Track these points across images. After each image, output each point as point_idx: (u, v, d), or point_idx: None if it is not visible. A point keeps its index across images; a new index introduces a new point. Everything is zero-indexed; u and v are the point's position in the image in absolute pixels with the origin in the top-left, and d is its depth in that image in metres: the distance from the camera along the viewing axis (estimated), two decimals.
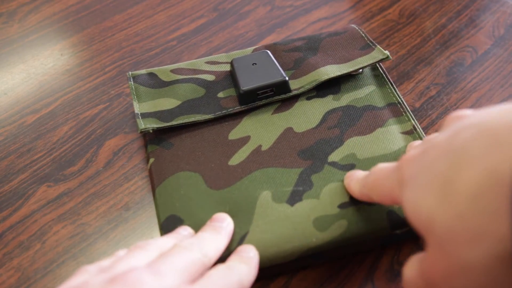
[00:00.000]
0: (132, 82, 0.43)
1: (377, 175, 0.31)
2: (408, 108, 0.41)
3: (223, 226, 0.33)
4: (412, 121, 0.40)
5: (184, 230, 0.33)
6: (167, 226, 0.35)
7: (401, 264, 0.35)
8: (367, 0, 0.57)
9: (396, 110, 0.41)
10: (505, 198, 0.20)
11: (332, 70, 0.43)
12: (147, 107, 0.41)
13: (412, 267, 0.27)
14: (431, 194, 0.23)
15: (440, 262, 0.23)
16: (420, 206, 0.24)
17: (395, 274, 0.34)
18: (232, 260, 0.31)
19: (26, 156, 0.43)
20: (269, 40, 0.52)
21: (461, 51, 0.50)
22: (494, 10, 0.55)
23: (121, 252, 0.30)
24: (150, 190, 0.40)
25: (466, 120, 0.25)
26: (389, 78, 0.44)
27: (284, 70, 0.43)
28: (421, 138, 0.39)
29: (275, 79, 0.41)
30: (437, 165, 0.24)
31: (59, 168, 0.42)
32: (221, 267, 0.29)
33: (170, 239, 0.31)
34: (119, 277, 0.26)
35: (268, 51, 0.44)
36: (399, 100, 0.42)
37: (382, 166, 0.31)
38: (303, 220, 0.34)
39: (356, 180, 0.34)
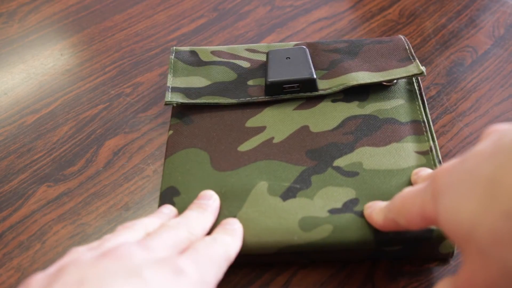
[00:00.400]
0: (173, 56, 0.45)
1: (404, 197, 0.30)
2: (432, 128, 0.39)
3: (209, 203, 0.34)
4: (431, 142, 0.38)
5: (166, 209, 0.34)
6: (165, 195, 0.36)
7: (401, 264, 0.35)
8: (367, 0, 0.57)
9: (418, 128, 0.39)
10: None
11: (362, 77, 0.42)
12: (179, 82, 0.43)
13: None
14: (473, 199, 0.23)
15: (481, 273, 0.23)
16: (461, 213, 0.23)
17: (395, 274, 0.34)
18: (217, 232, 0.32)
19: (26, 156, 0.43)
20: (269, 40, 0.53)
21: (461, 51, 0.50)
22: (494, 10, 0.55)
23: (109, 236, 0.30)
24: (150, 190, 0.40)
25: (506, 129, 0.25)
26: (423, 95, 0.42)
27: (317, 69, 0.43)
28: (434, 161, 0.37)
29: (303, 75, 0.42)
30: (480, 169, 0.23)
31: (59, 168, 0.42)
32: (207, 238, 0.30)
33: (155, 219, 0.32)
34: (110, 251, 0.26)
35: (306, 48, 0.44)
36: (425, 118, 0.40)
37: (409, 188, 0.30)
38: (290, 216, 0.34)
39: (379, 209, 0.32)
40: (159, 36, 0.54)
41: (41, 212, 0.39)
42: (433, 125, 0.43)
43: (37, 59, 0.52)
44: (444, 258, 0.35)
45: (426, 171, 0.36)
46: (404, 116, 0.40)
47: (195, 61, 0.45)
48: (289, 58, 0.43)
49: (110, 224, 0.38)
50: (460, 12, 0.55)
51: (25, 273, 0.35)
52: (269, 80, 0.42)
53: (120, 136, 0.44)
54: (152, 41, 0.53)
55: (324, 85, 0.42)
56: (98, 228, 0.38)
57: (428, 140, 0.38)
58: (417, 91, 0.42)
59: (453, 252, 0.34)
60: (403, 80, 0.43)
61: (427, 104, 0.45)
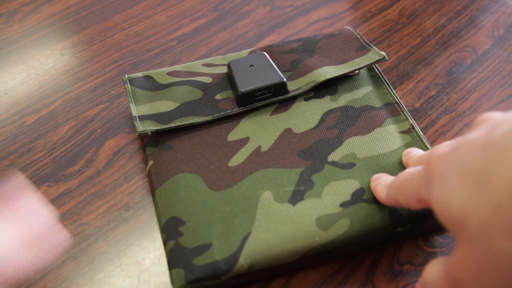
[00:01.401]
0: (128, 85, 0.43)
1: (404, 177, 0.31)
2: (405, 108, 0.41)
3: None
4: (410, 120, 0.40)
5: None
6: (168, 228, 0.35)
7: (401, 264, 0.35)
8: (367, 0, 0.57)
9: (393, 110, 0.41)
10: None
11: (329, 71, 0.43)
12: (145, 110, 0.41)
13: (433, 269, 0.27)
14: (465, 189, 0.23)
15: (471, 260, 0.23)
16: (452, 202, 0.24)
17: (395, 274, 0.34)
18: None
19: (26, 156, 0.43)
20: (269, 40, 0.53)
21: (461, 51, 0.50)
22: (493, 10, 0.55)
23: None
24: (150, 190, 0.40)
25: (499, 118, 0.25)
26: (385, 78, 0.44)
27: (281, 72, 0.43)
28: (419, 137, 0.39)
29: (273, 80, 0.41)
30: (472, 159, 0.24)
31: (59, 168, 0.42)
32: None
33: None
34: None
35: (265, 53, 0.44)
36: (396, 100, 0.42)
37: (409, 169, 0.31)
38: (305, 219, 0.34)
39: (384, 184, 0.34)
40: (159, 36, 0.54)
41: None
42: (433, 125, 0.43)
43: (37, 59, 0.52)
44: None
45: (417, 151, 0.37)
46: (377, 101, 0.42)
47: (153, 86, 0.43)
48: (252, 65, 0.43)
49: (110, 224, 0.38)
50: (460, 12, 0.55)
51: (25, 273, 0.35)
52: (241, 90, 0.41)
53: (120, 136, 0.44)
54: (152, 41, 0.53)
55: (293, 86, 0.43)
56: (98, 228, 0.38)
57: (407, 119, 0.40)
58: (380, 76, 0.44)
59: None
60: (364, 68, 0.45)
61: (427, 104, 0.45)
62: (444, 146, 0.27)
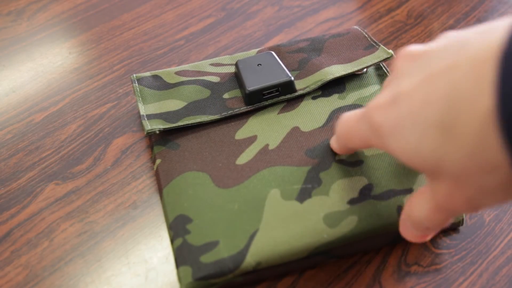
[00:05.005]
0: (136, 84, 0.43)
1: (344, 127, 0.32)
2: None
3: None
4: None
5: None
6: (175, 226, 0.35)
7: (408, 265, 0.35)
8: (375, 0, 0.57)
9: None
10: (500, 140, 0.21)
11: (337, 70, 0.43)
12: (153, 109, 0.41)
13: (422, 207, 0.27)
14: (431, 139, 0.24)
15: (458, 192, 0.24)
16: (421, 151, 0.24)
17: (403, 275, 0.34)
18: None
19: (34, 154, 0.43)
20: (276, 40, 0.53)
21: None
22: (502, 12, 0.54)
23: None
24: (158, 188, 0.40)
25: (426, 59, 0.25)
26: None
27: (289, 71, 0.43)
28: None
29: (281, 79, 0.42)
30: (426, 113, 0.24)
31: (67, 166, 0.42)
32: None
33: None
34: None
35: (273, 52, 0.44)
36: None
37: (346, 117, 0.32)
38: (313, 216, 0.34)
39: (334, 137, 0.36)
40: (167, 35, 0.54)
41: (49, 210, 0.39)
42: None
43: (45, 57, 0.52)
44: (455, 227, 0.37)
45: None
46: None
47: (162, 85, 0.44)
48: (260, 64, 0.43)
49: (118, 222, 0.38)
50: (468, 13, 0.55)
51: (33, 270, 0.35)
52: (248, 89, 0.41)
53: (128, 134, 0.44)
54: (160, 40, 0.53)
55: (301, 85, 0.43)
56: (106, 226, 0.38)
57: None
58: (388, 74, 0.44)
59: (462, 220, 0.36)
60: (372, 67, 0.45)
61: None
62: (379, 97, 0.28)
